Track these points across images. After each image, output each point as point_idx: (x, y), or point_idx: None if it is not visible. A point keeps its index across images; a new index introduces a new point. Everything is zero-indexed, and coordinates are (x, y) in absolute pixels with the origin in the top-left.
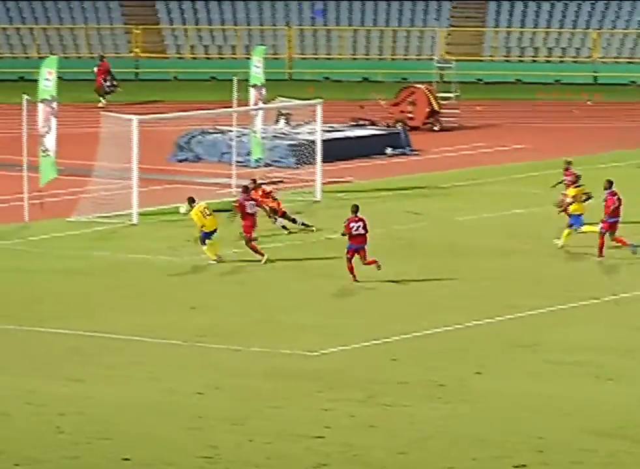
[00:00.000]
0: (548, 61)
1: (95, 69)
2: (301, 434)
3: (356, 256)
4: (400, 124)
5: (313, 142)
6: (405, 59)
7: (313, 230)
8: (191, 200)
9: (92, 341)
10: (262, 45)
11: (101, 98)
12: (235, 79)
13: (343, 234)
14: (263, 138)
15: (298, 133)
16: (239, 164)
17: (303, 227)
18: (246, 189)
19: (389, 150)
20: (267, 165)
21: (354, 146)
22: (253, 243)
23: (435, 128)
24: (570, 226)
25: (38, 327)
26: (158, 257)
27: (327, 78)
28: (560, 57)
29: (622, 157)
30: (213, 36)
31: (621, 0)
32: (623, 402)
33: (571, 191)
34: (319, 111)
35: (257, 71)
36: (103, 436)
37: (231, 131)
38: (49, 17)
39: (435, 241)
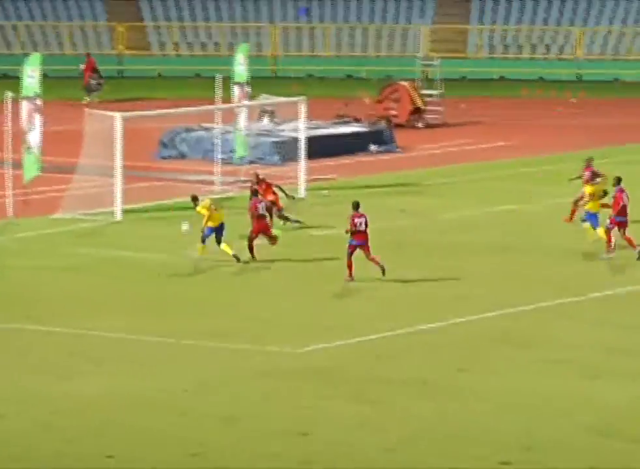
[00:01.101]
0: (532, 58)
1: (81, 66)
2: (287, 431)
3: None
4: (384, 121)
5: (296, 139)
6: (389, 56)
7: (300, 226)
8: (194, 198)
9: (80, 339)
10: (246, 42)
11: (86, 97)
12: (219, 76)
13: (347, 232)
14: (247, 135)
15: (281, 131)
16: (223, 161)
17: (295, 223)
18: (255, 193)
19: (373, 147)
20: (251, 162)
21: (338, 144)
22: (253, 244)
23: (419, 125)
24: (584, 220)
25: (25, 325)
26: (144, 255)
27: (311, 75)
28: (544, 54)
29: (609, 154)
30: (197, 33)
31: None
32: (608, 400)
33: (588, 189)
34: (302, 108)
35: (240, 68)
36: (90, 433)
37: (215, 128)
38: (33, 14)
39: (420, 239)
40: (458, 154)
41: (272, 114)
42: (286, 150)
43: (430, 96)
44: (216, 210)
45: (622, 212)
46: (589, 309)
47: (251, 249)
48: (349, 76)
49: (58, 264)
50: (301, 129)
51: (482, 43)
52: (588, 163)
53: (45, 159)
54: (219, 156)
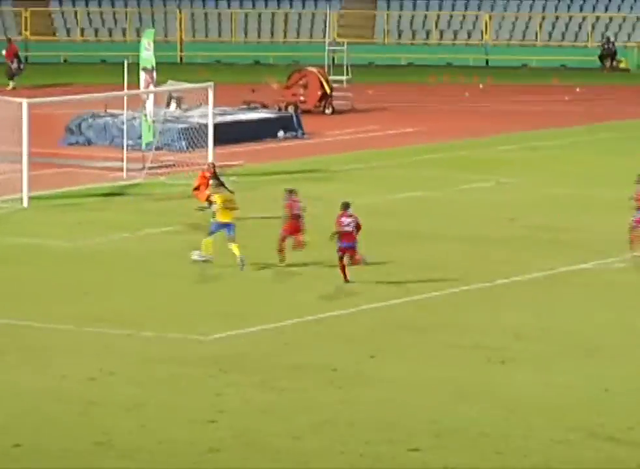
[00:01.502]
0: (440, 44)
1: (4, 52)
2: (194, 419)
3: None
4: (292, 107)
5: (204, 125)
6: (297, 42)
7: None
8: (217, 178)
9: None
10: (152, 28)
11: (10, 82)
12: (126, 62)
13: (333, 234)
14: (154, 121)
15: (189, 117)
16: (130, 148)
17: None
18: (291, 192)
19: (281, 134)
20: (158, 148)
21: (246, 130)
22: (283, 244)
23: (327, 111)
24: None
25: None
26: (50, 242)
27: (219, 61)
28: (452, 40)
29: (516, 139)
30: (103, 19)
31: None
32: (516, 386)
33: None
34: (210, 94)
35: (147, 54)
36: None
37: (121, 114)
38: None
39: (326, 225)
40: (366, 140)
41: (179, 100)
42: (194, 137)
43: (338, 82)
44: (229, 208)
45: None
46: (497, 294)
47: (281, 250)
48: (257, 62)
49: None
50: (209, 115)
51: (390, 28)
52: None
53: None
54: (126, 142)
